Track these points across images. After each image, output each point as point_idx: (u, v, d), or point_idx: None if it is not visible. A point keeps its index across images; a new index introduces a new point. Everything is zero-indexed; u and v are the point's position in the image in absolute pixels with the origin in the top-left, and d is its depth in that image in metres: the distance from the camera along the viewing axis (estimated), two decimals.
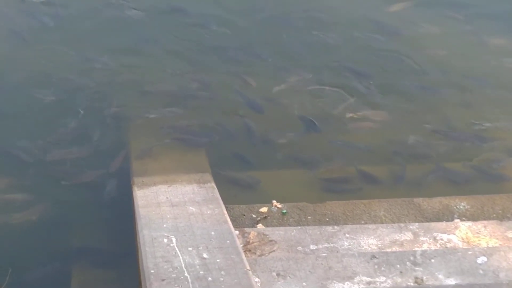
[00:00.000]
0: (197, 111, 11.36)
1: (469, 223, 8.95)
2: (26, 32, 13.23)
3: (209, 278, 7.18)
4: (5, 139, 10.61)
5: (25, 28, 13.36)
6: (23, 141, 10.52)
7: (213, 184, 9.07)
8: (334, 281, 7.62)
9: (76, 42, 13.01)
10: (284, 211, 9.23)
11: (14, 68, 12.25)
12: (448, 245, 8.47)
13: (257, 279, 7.56)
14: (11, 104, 11.39)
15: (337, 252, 8.27)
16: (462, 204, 9.50)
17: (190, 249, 7.64)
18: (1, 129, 10.84)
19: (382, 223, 9.07)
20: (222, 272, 7.27)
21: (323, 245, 8.41)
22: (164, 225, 8.07)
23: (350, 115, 11.43)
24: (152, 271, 7.27)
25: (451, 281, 7.70)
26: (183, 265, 7.36)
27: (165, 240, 7.78)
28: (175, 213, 8.33)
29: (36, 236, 9.10)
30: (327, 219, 9.17)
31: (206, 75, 12.29)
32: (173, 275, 7.20)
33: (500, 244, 8.49)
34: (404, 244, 8.49)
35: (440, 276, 7.76)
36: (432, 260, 7.99)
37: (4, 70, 12.27)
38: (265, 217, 9.13)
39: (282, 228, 8.77)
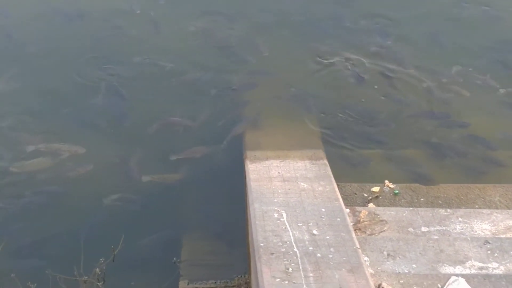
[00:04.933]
0: None
1: None
2: None
3: (318, 255, 7.19)
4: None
5: None
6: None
7: (326, 161, 9.04)
8: (445, 265, 7.51)
9: None
10: (396, 191, 9.13)
11: None
12: None
13: (366, 258, 7.53)
14: None
15: (449, 235, 8.14)
16: None
17: (300, 224, 7.67)
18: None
19: (497, 208, 8.85)
20: (331, 249, 7.27)
21: (435, 228, 8.29)
22: (275, 200, 8.12)
23: None
24: (262, 244, 7.34)
25: None
26: (292, 240, 7.40)
27: (276, 215, 7.83)
28: (286, 188, 8.37)
29: (150, 205, 9.33)
30: (440, 201, 9.02)
31: None
32: (282, 250, 7.25)
33: None
34: None
35: None
36: None
37: None
38: (377, 197, 9.06)
39: (393, 208, 8.70)
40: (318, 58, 12.08)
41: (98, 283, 7.95)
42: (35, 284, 7.78)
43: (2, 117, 10.65)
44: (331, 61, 12.03)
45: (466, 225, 8.36)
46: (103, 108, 10.88)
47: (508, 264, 7.54)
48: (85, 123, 10.59)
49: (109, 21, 12.92)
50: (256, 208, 7.96)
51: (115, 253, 8.26)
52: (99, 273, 7.96)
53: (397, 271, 7.42)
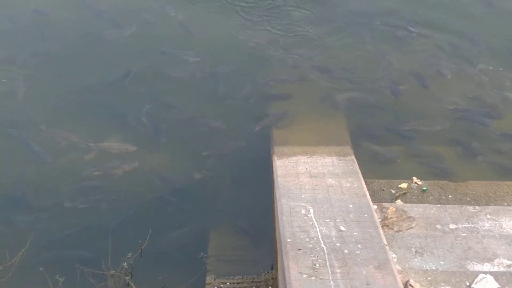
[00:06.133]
0: None
1: None
2: None
3: (345, 251, 7.18)
4: None
5: None
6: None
7: (353, 157, 9.03)
8: (473, 262, 7.46)
9: None
10: (424, 188, 9.09)
11: None
12: None
13: (393, 255, 7.50)
14: None
15: (477, 232, 8.07)
16: None
17: (327, 220, 7.66)
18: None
19: None
20: (359, 246, 7.25)
21: (463, 225, 8.23)
22: (303, 196, 8.12)
23: None
24: (289, 240, 7.34)
25: None
26: (319, 236, 7.39)
27: (303, 211, 7.83)
28: (313, 184, 8.36)
29: (177, 200, 9.37)
30: (468, 198, 8.96)
31: None
32: (309, 245, 7.25)
33: None
34: None
35: None
36: None
37: None
38: (405, 193, 9.02)
39: (421, 205, 8.65)
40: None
41: (126, 277, 8.00)
42: (63, 278, 7.85)
43: (46, 115, 10.73)
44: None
45: (495, 222, 8.29)
46: (132, 104, 10.95)
47: None
48: (116, 119, 10.66)
49: (141, 18, 12.94)
50: (283, 204, 7.96)
51: (142, 247, 8.31)
52: (127, 267, 8.03)
53: (424, 268, 7.38)
